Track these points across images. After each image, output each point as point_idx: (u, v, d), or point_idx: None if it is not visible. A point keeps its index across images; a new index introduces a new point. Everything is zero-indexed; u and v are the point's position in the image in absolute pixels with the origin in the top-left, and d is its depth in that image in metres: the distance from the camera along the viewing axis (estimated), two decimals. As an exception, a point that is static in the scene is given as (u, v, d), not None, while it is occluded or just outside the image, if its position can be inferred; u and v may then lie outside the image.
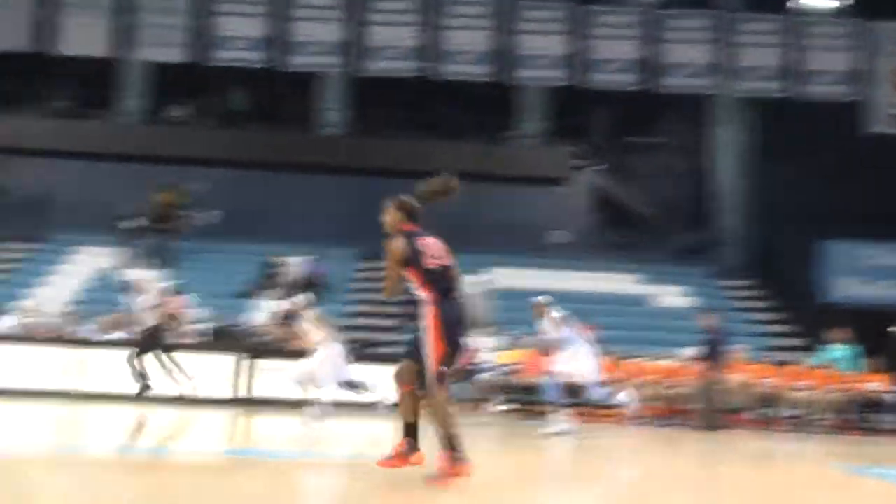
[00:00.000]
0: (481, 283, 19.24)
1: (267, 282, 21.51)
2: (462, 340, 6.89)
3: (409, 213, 6.95)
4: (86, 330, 17.86)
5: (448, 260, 6.92)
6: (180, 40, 22.88)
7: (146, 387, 14.86)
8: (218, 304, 19.64)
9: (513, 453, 11.23)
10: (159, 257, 22.00)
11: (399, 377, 6.88)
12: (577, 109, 25.91)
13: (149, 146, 24.32)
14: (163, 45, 23.13)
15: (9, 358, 16.64)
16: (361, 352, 16.81)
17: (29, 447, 9.47)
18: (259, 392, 16.31)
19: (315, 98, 25.63)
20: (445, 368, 6.71)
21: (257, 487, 6.83)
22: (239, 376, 16.69)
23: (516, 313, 17.35)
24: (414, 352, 6.82)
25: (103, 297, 19.24)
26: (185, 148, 24.25)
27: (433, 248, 6.86)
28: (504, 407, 16.52)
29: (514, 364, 16.77)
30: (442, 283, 6.79)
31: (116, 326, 17.45)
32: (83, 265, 21.02)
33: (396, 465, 6.83)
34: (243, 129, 25.60)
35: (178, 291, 19.55)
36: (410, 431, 6.87)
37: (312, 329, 13.85)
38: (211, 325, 18.84)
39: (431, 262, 6.80)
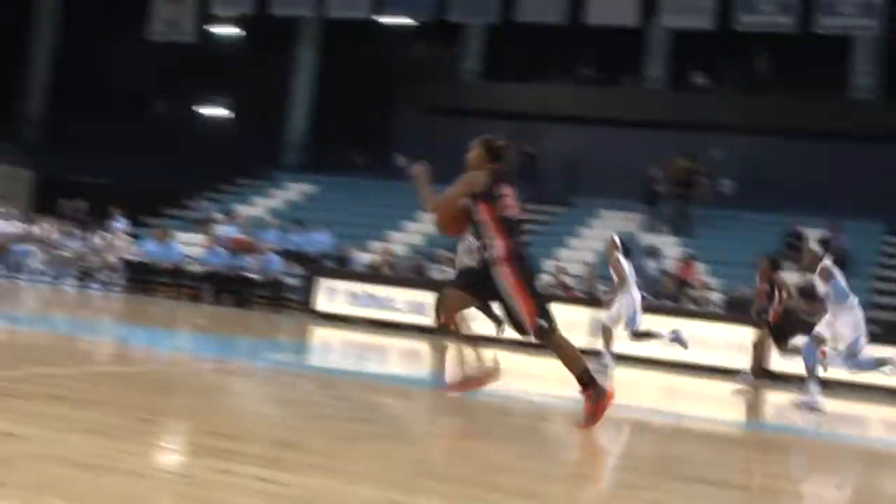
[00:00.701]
0: None
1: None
2: (539, 290, 6.66)
3: (495, 155, 6.63)
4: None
5: (522, 213, 6.71)
6: (706, 6, 22.88)
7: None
8: (732, 274, 19.51)
9: None
10: (676, 223, 22.30)
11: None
12: None
13: (670, 112, 24.63)
14: (688, 12, 23.30)
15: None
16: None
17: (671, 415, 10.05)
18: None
19: (845, 62, 24.33)
20: (544, 323, 6.39)
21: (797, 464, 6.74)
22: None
23: None
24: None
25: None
26: (706, 115, 24.25)
27: (511, 198, 6.56)
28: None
29: None
30: (515, 233, 6.50)
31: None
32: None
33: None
34: (766, 95, 25.01)
35: (693, 258, 19.70)
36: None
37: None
38: (724, 294, 18.76)
39: (509, 210, 6.51)
